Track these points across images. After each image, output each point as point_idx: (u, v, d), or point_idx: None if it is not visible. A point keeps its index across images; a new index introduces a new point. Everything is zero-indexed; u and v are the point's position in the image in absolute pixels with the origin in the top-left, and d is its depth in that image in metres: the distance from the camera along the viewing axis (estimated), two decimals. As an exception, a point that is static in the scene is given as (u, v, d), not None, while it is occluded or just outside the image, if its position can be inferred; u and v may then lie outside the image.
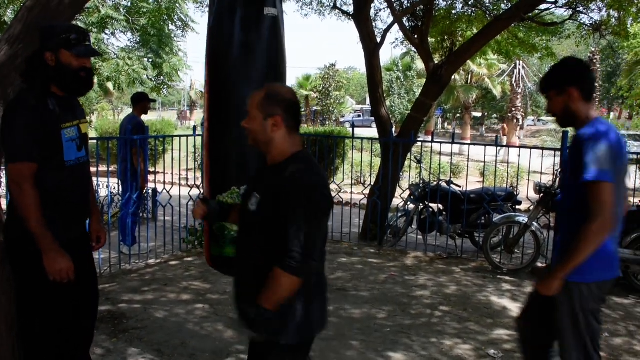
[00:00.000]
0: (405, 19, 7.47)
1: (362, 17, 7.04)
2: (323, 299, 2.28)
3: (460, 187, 7.38)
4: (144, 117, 6.99)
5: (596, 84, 27.46)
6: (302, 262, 1.96)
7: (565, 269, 2.36)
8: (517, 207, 7.50)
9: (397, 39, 10.84)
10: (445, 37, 8.44)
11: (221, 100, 3.23)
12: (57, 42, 2.62)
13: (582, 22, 7.69)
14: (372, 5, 7.72)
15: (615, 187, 2.29)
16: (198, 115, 47.69)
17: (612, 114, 42.12)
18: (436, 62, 7.45)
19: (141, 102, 6.98)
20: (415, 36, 7.31)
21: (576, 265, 2.33)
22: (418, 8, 7.41)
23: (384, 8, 9.14)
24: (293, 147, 2.10)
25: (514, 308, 5.01)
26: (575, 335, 2.47)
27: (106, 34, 17.40)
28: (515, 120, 30.69)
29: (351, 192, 8.21)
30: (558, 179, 6.11)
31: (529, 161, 6.86)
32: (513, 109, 30.60)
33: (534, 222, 6.09)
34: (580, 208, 2.34)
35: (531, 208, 6.50)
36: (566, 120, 2.51)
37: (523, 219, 6.21)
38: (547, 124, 45.11)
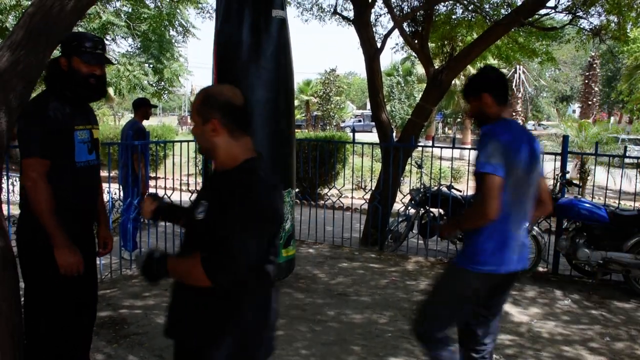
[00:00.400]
0: (405, 24, 7.49)
1: (362, 23, 7.06)
2: (265, 326, 2.01)
3: (461, 191, 7.38)
4: (144, 123, 7.00)
5: (596, 89, 27.54)
6: (224, 269, 1.77)
7: (454, 226, 2.94)
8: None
9: (397, 44, 10.86)
10: (446, 42, 8.46)
11: None
12: (70, 48, 2.76)
13: (581, 26, 7.69)
14: (372, 10, 7.74)
15: (509, 181, 2.49)
16: (199, 121, 47.47)
17: (612, 118, 42.13)
18: (436, 67, 7.46)
19: (142, 108, 6.99)
20: (416, 41, 7.32)
21: (461, 228, 2.80)
22: (418, 13, 7.43)
23: (384, 13, 9.17)
24: (245, 153, 1.93)
25: (516, 313, 5.00)
26: (434, 295, 2.84)
27: (107, 39, 17.46)
28: (515, 125, 30.69)
29: (352, 197, 8.21)
30: (559, 184, 6.11)
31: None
32: (513, 114, 30.63)
33: (534, 227, 6.09)
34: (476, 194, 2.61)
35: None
36: (481, 122, 2.73)
37: (524, 223, 6.20)
38: (547, 128, 45.16)
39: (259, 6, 3.22)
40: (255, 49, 3.22)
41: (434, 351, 2.83)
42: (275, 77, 3.32)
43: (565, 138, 6.35)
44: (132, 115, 7.18)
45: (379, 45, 7.41)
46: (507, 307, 5.13)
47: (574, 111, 47.06)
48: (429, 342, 2.84)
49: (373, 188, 7.79)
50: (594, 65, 30.84)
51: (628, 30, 8.06)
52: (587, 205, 5.85)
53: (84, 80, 2.74)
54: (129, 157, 6.44)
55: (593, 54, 29.74)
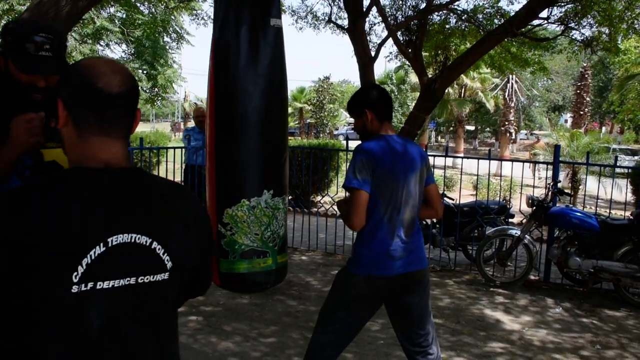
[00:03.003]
0: (399, 33, 7.54)
1: (356, 31, 7.09)
2: None
3: (453, 200, 7.41)
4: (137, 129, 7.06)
5: (588, 99, 27.66)
6: None
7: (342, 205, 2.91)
8: (510, 220, 7.54)
9: (391, 52, 10.96)
10: (439, 51, 8.51)
11: (226, 109, 3.23)
12: (6, 44, 1.94)
13: (573, 37, 7.77)
14: (367, 19, 7.79)
15: (382, 193, 2.64)
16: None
17: (603, 128, 42.46)
18: (430, 76, 7.51)
19: None
20: (410, 50, 7.37)
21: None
22: (412, 22, 7.48)
23: (378, 22, 9.23)
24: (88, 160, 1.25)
25: (507, 321, 5.02)
26: (328, 300, 2.90)
27: (101, 45, 17.46)
28: (508, 134, 30.86)
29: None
30: (550, 193, 6.16)
31: (521, 174, 6.91)
32: (506, 123, 30.78)
33: (526, 235, 6.13)
34: None
35: (524, 221, 6.53)
36: (365, 136, 2.84)
37: (516, 232, 6.24)
38: (538, 138, 45.38)
39: (257, 15, 3.24)
40: (253, 57, 3.24)
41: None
42: (270, 85, 3.34)
43: (557, 147, 6.40)
44: None
45: (373, 54, 7.45)
46: (499, 315, 5.16)
47: (565, 121, 47.37)
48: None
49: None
50: (586, 76, 31.09)
51: (619, 42, 8.13)
52: (578, 214, 5.90)
53: (24, 92, 1.92)
54: None
55: (585, 64, 29.99)
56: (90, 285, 1.12)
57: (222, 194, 3.29)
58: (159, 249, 1.22)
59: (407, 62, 12.45)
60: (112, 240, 1.15)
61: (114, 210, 1.18)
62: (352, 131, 38.15)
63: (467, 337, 4.57)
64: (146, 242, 1.20)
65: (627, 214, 7.11)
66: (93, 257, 1.13)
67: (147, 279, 1.21)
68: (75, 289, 1.11)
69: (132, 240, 1.18)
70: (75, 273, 1.11)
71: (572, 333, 4.80)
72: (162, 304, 1.26)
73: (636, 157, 23.79)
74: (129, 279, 1.18)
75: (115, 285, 1.16)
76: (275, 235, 3.32)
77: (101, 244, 1.14)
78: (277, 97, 3.33)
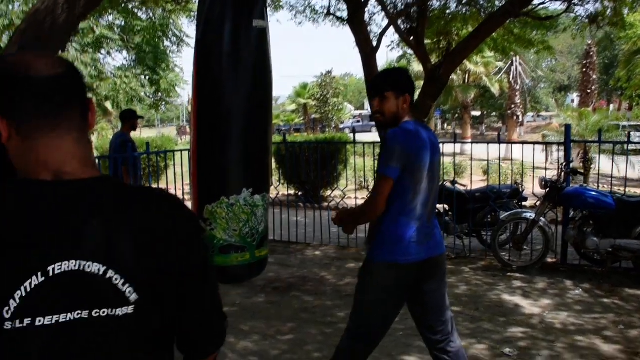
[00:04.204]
0: (400, 21, 7.45)
1: (357, 22, 7.02)
2: None
3: (465, 186, 7.33)
4: (133, 134, 7.16)
5: (594, 77, 27.32)
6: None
7: (349, 217, 2.92)
8: (523, 203, 7.45)
9: (393, 41, 10.83)
10: (441, 38, 8.42)
11: (209, 110, 3.27)
12: None
13: (577, 14, 7.66)
14: (366, 9, 7.70)
15: (410, 181, 2.62)
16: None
17: (611, 105, 42.07)
18: (433, 62, 7.42)
19: (129, 120, 7.18)
20: (412, 38, 7.29)
21: (356, 223, 2.95)
22: (412, 9, 7.39)
23: (378, 12, 9.14)
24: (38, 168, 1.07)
25: (527, 305, 4.96)
26: (357, 303, 2.85)
27: (102, 53, 17.51)
28: (515, 117, 30.63)
29: (355, 198, 8.17)
30: (563, 173, 6.07)
31: (532, 157, 6.83)
32: (512, 106, 30.54)
33: (541, 218, 6.05)
34: None
35: (537, 204, 6.45)
36: (390, 120, 2.76)
37: (530, 215, 6.16)
38: (546, 119, 45.09)
39: (240, 16, 3.25)
40: (236, 57, 3.26)
41: None
42: (253, 86, 3.37)
43: (568, 127, 6.32)
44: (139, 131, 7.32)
45: (374, 44, 7.38)
46: (518, 300, 5.10)
47: (572, 101, 46.94)
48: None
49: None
50: (591, 54, 30.73)
51: (625, 15, 8.01)
52: (594, 193, 5.81)
53: None
54: (119, 169, 6.55)
55: (590, 42, 29.67)
56: (27, 321, 0.96)
57: (203, 191, 3.38)
58: (116, 279, 1.01)
59: (409, 51, 12.40)
60: (53, 269, 0.96)
61: (57, 233, 0.99)
62: (358, 124, 38.10)
63: (486, 324, 4.51)
64: (98, 270, 0.99)
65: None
66: (29, 289, 0.95)
67: (103, 312, 1.01)
68: (8, 325, 0.94)
69: (80, 268, 0.98)
70: (7, 308, 0.94)
71: (594, 314, 4.73)
72: (126, 344, 1.05)
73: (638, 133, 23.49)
74: (79, 312, 0.99)
75: (61, 321, 0.98)
76: (253, 231, 3.40)
77: (39, 274, 0.96)
78: (259, 97, 3.36)
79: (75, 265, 0.98)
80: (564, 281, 5.65)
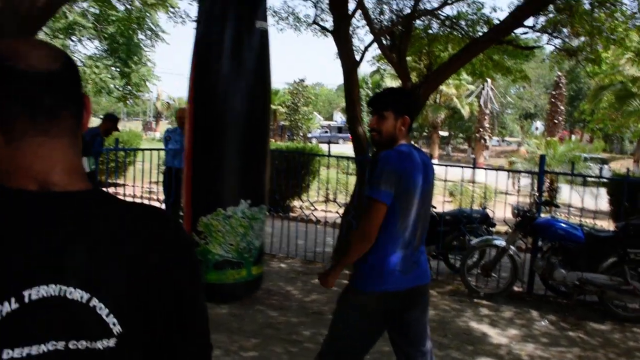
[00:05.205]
0: (382, 38, 7.41)
1: (342, 33, 6.94)
2: None
3: (435, 207, 7.29)
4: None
5: (562, 107, 28.00)
6: None
7: (338, 266, 2.68)
8: (491, 228, 7.45)
9: (373, 57, 10.78)
10: (422, 57, 8.41)
11: (206, 114, 3.04)
12: None
13: (558, 47, 7.75)
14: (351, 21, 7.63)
15: (400, 207, 2.51)
16: (163, 127, 47.01)
17: (573, 136, 43.23)
18: (413, 81, 7.40)
19: (110, 123, 7.42)
20: (394, 55, 7.24)
21: (346, 263, 2.64)
22: (397, 27, 7.36)
23: (362, 25, 9.10)
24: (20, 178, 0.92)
25: (494, 334, 4.91)
26: (334, 329, 2.72)
27: (72, 40, 17.04)
28: (482, 141, 31.13)
29: (325, 210, 8.08)
30: (535, 203, 6.09)
31: (504, 183, 6.84)
32: (481, 129, 31.04)
33: (511, 246, 6.04)
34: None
35: (508, 231, 6.45)
36: (385, 141, 2.66)
37: (500, 242, 6.15)
38: (510, 144, 46.01)
39: (242, 16, 3.06)
40: (236, 60, 3.07)
41: None
42: (253, 90, 3.17)
43: (542, 157, 6.33)
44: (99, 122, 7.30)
45: (357, 57, 7.31)
46: (485, 329, 5.05)
47: (537, 128, 48.11)
48: None
49: (346, 201, 7.65)
50: (560, 85, 31.55)
51: (600, 52, 8.16)
52: (564, 225, 5.83)
53: None
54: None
55: (559, 73, 30.44)
56: None
57: (197, 201, 3.14)
58: (100, 308, 0.87)
59: (383, 67, 12.38)
60: (29, 295, 0.83)
61: (37, 253, 0.85)
62: (326, 134, 38.05)
63: (455, 352, 4.44)
64: (81, 297, 0.86)
65: (605, 224, 7.12)
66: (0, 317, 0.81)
67: (81, 344, 0.87)
68: None
69: (61, 295, 0.85)
70: None
71: (560, 347, 4.71)
72: None
73: (606, 166, 24.18)
74: (54, 343, 0.85)
75: (33, 354, 0.84)
76: (251, 246, 3.18)
77: (12, 300, 0.82)
78: (259, 102, 3.19)
79: (55, 291, 0.84)
80: (530, 311, 5.64)
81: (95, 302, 0.87)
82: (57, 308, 0.85)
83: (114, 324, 0.89)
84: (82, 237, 0.88)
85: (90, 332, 0.87)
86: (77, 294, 0.86)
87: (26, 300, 0.83)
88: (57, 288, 0.85)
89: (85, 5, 15.26)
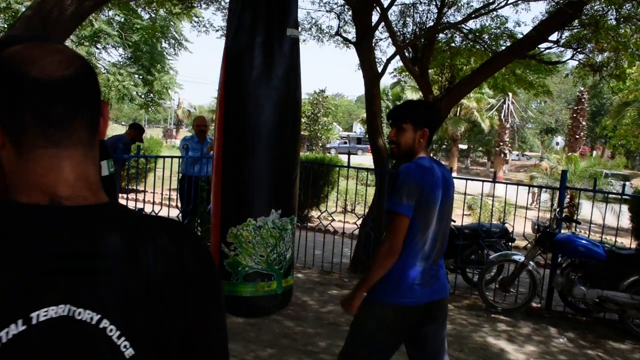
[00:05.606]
0: (405, 50, 7.43)
1: (364, 47, 6.97)
2: None
3: (454, 221, 7.24)
4: None
5: (583, 123, 27.75)
6: None
7: (362, 287, 2.62)
8: (510, 244, 7.39)
9: (395, 69, 10.76)
10: (445, 70, 8.41)
11: (237, 123, 3.04)
12: None
13: (582, 62, 7.69)
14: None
15: (420, 220, 2.51)
16: (183, 134, 47.46)
17: (594, 152, 42.72)
18: (435, 94, 7.39)
19: (136, 131, 7.75)
20: (416, 68, 7.25)
21: (371, 283, 2.57)
22: (419, 40, 7.37)
23: (385, 38, 9.12)
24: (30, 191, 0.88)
25: (512, 350, 4.86)
26: (351, 340, 2.71)
27: (97, 48, 17.30)
28: (502, 155, 30.90)
29: (344, 221, 8.08)
30: (556, 220, 6.03)
31: (524, 197, 6.79)
32: (501, 143, 30.82)
33: (530, 261, 5.99)
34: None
35: (527, 245, 6.39)
36: (405, 153, 2.68)
37: (519, 257, 6.10)
38: (530, 159, 45.55)
39: (273, 24, 3.05)
40: (267, 68, 3.04)
41: None
42: (284, 99, 3.14)
43: (564, 173, 6.28)
44: (125, 128, 7.52)
45: (379, 69, 7.33)
46: (503, 344, 5.00)
47: (557, 143, 47.65)
48: None
49: (364, 213, 7.64)
50: (583, 100, 31.24)
51: (625, 67, 8.07)
52: (585, 242, 5.77)
53: None
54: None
55: (582, 88, 30.17)
56: None
57: (227, 211, 3.10)
58: (111, 330, 0.82)
59: (404, 79, 12.41)
60: (37, 316, 0.78)
61: (47, 272, 0.80)
62: (345, 145, 38.07)
63: (471, 367, 4.41)
64: (91, 319, 0.81)
65: (628, 241, 7.01)
66: (5, 340, 0.76)
67: None
68: None
69: (70, 315, 0.80)
70: None
71: (579, 366, 4.65)
72: None
73: (628, 183, 23.85)
74: None
75: None
76: (281, 257, 3.13)
77: (19, 321, 0.77)
78: (290, 111, 3.15)
79: (64, 311, 0.80)
80: (548, 328, 5.57)
81: (105, 323, 0.82)
82: (65, 329, 0.80)
83: (125, 347, 0.84)
84: (93, 254, 0.84)
85: (101, 355, 0.82)
86: (86, 315, 0.81)
87: (34, 321, 0.78)
88: (65, 308, 0.80)
89: (111, 13, 15.51)
